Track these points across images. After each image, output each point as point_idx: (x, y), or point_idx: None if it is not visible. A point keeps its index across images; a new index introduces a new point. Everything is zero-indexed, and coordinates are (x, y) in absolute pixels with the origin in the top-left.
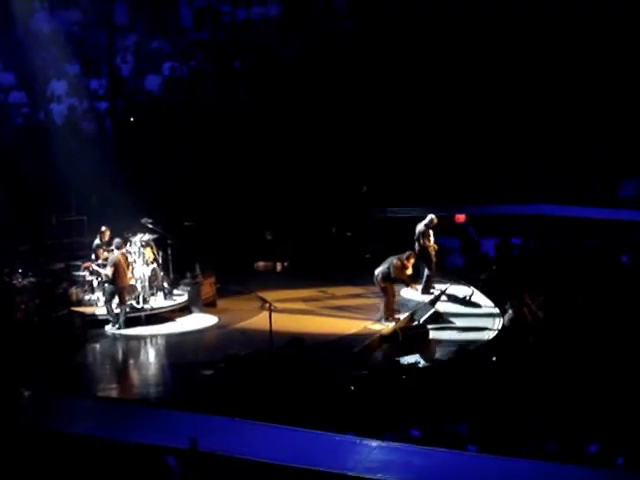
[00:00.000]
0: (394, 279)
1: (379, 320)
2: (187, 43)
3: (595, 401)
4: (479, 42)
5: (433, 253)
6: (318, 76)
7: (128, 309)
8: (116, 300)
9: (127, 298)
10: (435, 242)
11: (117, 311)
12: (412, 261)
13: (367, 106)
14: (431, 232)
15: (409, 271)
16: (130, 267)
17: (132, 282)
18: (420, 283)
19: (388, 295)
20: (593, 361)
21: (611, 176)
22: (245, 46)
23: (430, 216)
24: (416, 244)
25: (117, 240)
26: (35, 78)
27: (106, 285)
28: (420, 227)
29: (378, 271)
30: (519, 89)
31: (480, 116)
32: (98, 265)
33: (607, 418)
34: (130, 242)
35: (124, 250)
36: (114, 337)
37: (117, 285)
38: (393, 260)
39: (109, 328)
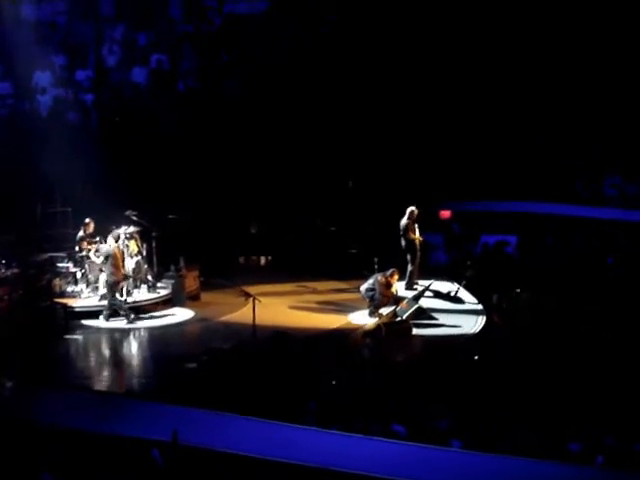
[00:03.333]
0: (381, 295)
1: (368, 315)
2: (175, 36)
3: (577, 399)
4: (467, 40)
5: (419, 246)
6: (305, 71)
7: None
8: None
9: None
10: (420, 235)
11: (102, 302)
12: (396, 277)
13: (354, 102)
14: (416, 226)
15: (394, 288)
16: (124, 260)
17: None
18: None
19: (380, 300)
20: (575, 360)
21: (596, 174)
22: (231, 41)
23: (410, 208)
24: (402, 239)
25: (114, 232)
26: (20, 69)
27: (105, 279)
28: (403, 221)
29: (363, 288)
30: (506, 86)
31: (467, 113)
32: (82, 257)
33: (589, 415)
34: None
35: (119, 243)
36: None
37: (111, 278)
38: (378, 277)
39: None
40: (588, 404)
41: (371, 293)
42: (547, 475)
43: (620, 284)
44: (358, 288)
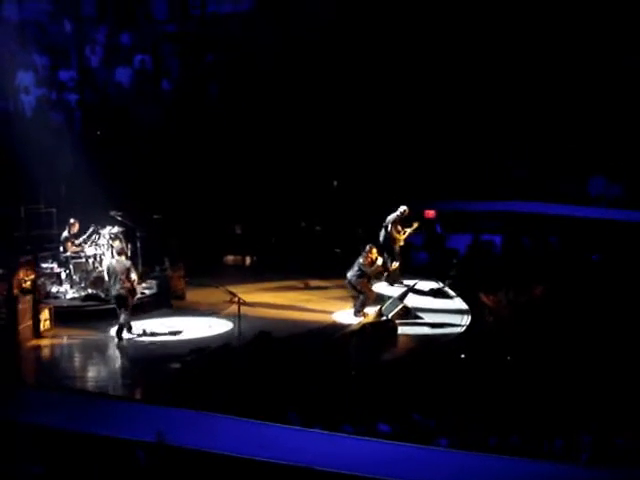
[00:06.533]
0: (370, 276)
1: (353, 314)
2: (157, 36)
3: (561, 396)
4: (455, 40)
5: (398, 245)
6: (289, 71)
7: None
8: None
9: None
10: (405, 239)
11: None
12: (374, 250)
13: (338, 102)
14: (407, 230)
15: (379, 261)
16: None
17: (101, 275)
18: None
19: (367, 292)
20: (560, 357)
21: (580, 173)
22: (215, 40)
23: (402, 207)
24: (382, 231)
25: (117, 246)
26: (2, 69)
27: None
28: (391, 217)
29: (350, 275)
30: (490, 85)
31: (451, 112)
32: (66, 258)
33: (574, 413)
34: (99, 234)
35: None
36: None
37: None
38: (359, 260)
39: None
40: (574, 401)
41: (360, 280)
42: (533, 473)
43: (605, 280)
44: (343, 286)
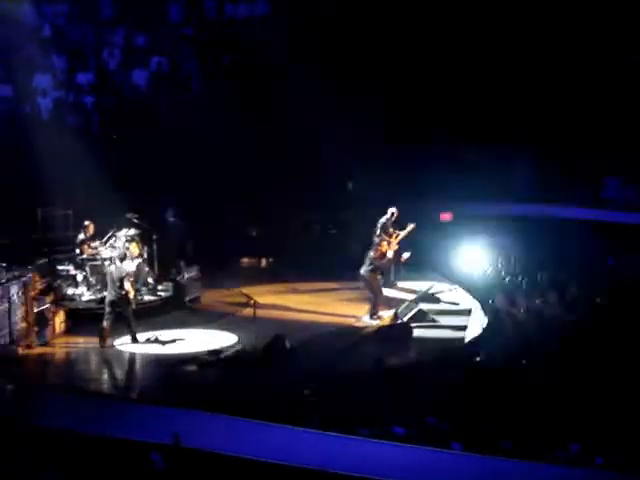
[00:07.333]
0: (382, 268)
1: (369, 317)
2: (174, 38)
3: (576, 401)
4: (452, 43)
5: (389, 249)
6: (303, 72)
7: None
8: None
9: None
10: (398, 242)
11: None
12: (384, 243)
13: (351, 103)
14: (400, 233)
15: (389, 254)
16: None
17: None
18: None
19: (375, 292)
20: (575, 362)
21: (594, 176)
22: (231, 43)
23: (392, 209)
24: (374, 237)
25: (121, 251)
26: (20, 72)
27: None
28: (382, 220)
29: (363, 270)
30: (504, 83)
31: (460, 111)
32: (83, 260)
33: (587, 418)
34: (115, 237)
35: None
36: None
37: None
38: (370, 254)
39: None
40: (588, 406)
41: (372, 274)
42: (547, 477)
43: (620, 283)
44: (357, 288)
